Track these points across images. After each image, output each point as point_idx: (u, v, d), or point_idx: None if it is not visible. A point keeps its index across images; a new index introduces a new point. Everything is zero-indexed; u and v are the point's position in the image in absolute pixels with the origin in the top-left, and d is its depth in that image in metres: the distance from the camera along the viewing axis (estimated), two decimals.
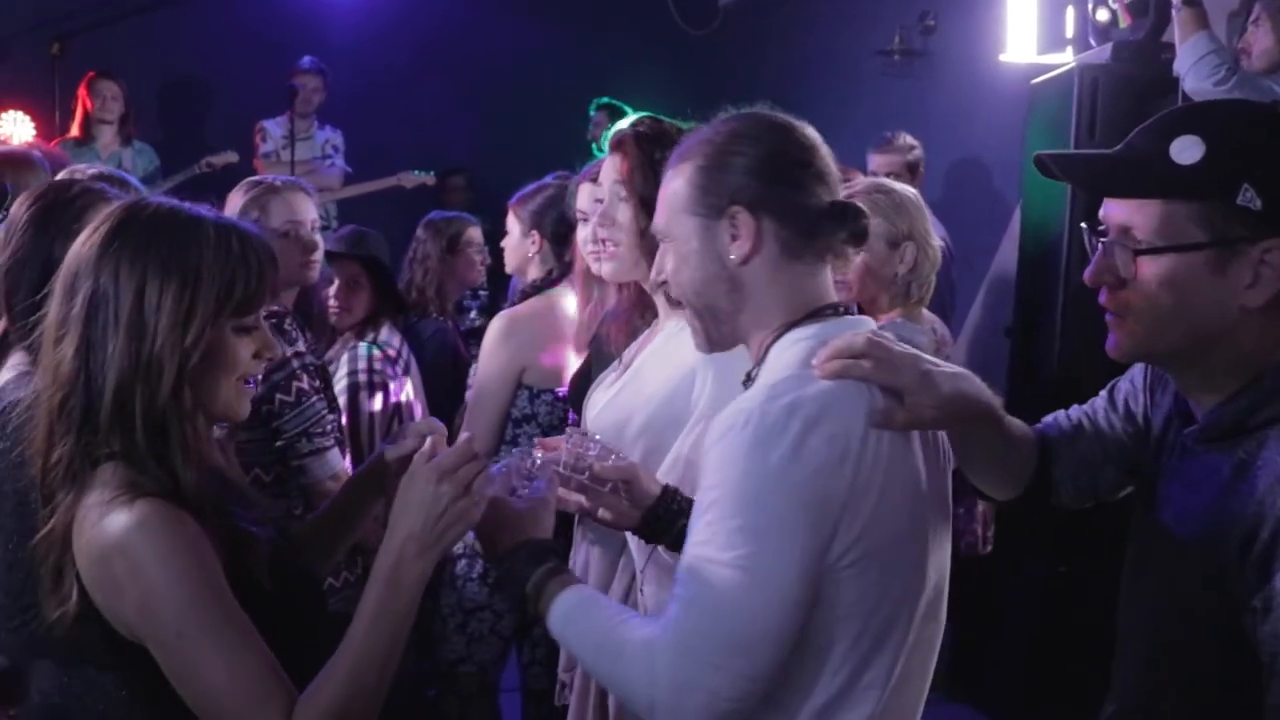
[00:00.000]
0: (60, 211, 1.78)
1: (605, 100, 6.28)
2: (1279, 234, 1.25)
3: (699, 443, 1.52)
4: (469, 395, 2.83)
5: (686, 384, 1.83)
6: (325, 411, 2.58)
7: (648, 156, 1.99)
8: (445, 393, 3.43)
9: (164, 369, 1.36)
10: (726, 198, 1.41)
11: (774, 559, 1.27)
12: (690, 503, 1.72)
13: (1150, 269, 1.29)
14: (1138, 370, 1.56)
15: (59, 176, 2.11)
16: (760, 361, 1.44)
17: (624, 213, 2.01)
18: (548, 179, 3.16)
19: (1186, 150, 1.26)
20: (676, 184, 1.46)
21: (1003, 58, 4.55)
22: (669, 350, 1.92)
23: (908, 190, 2.67)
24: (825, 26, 6.41)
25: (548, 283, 2.83)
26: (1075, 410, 1.63)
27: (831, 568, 1.30)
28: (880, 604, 1.33)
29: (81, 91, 5.68)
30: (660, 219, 1.50)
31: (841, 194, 1.48)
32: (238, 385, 1.44)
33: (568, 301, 2.70)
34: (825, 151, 1.47)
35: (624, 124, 2.09)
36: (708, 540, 1.29)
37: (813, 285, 1.45)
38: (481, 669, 2.87)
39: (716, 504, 1.29)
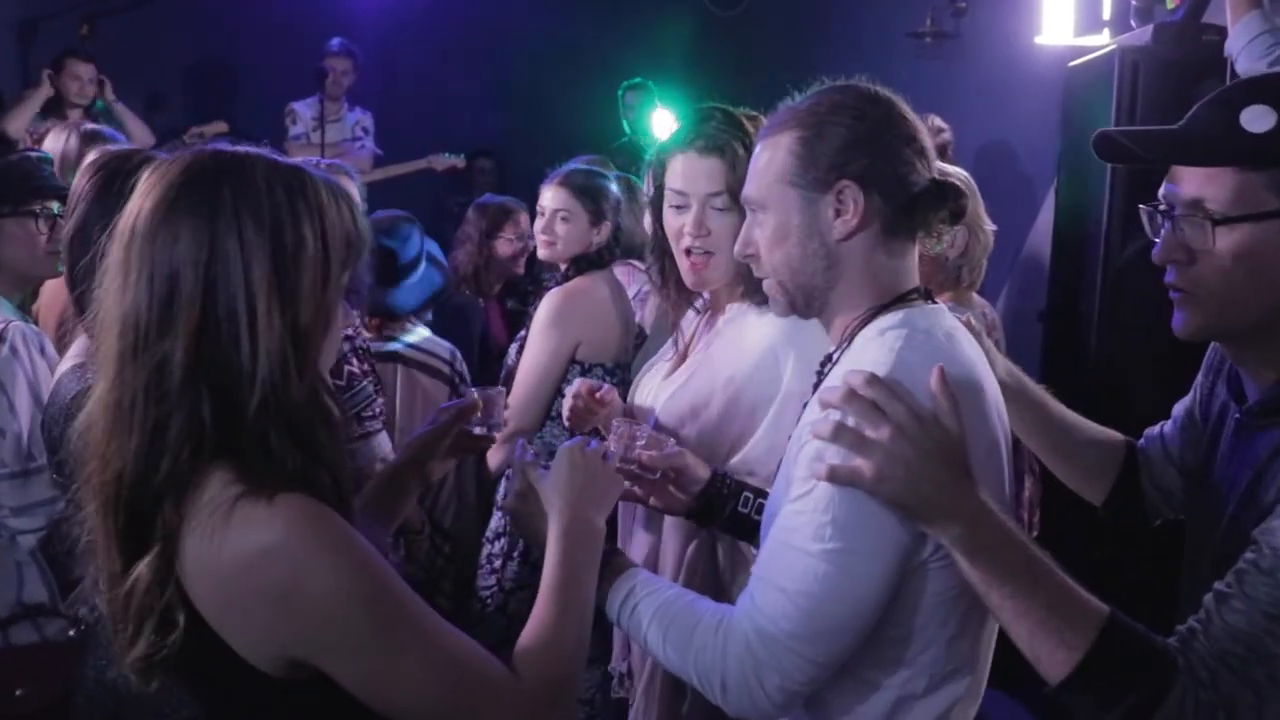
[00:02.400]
0: (125, 180, 1.69)
1: (636, 80, 6.26)
2: None
3: (787, 427, 1.51)
4: (519, 371, 2.83)
5: (766, 365, 1.80)
6: (374, 394, 2.58)
7: None
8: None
9: (312, 340, 1.19)
10: (834, 171, 1.37)
11: (864, 556, 1.26)
12: (738, 486, 1.73)
13: (1228, 240, 1.28)
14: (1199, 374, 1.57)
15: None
16: (843, 345, 1.42)
17: (724, 224, 1.83)
18: (575, 162, 3.16)
19: (1258, 119, 1.26)
20: (776, 154, 1.41)
21: (1038, 40, 4.51)
22: (737, 333, 1.89)
23: (960, 173, 2.63)
24: (854, 8, 6.37)
25: (599, 262, 2.85)
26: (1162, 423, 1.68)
27: (923, 564, 1.30)
28: (964, 593, 1.33)
29: (50, 72, 5.34)
30: (754, 189, 1.44)
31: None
32: (334, 357, 1.29)
33: (610, 280, 2.73)
34: (924, 127, 1.43)
35: (705, 121, 1.87)
36: (797, 529, 1.29)
37: (902, 267, 1.42)
38: None
39: (811, 495, 1.28)
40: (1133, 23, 3.85)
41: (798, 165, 1.39)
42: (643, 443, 1.70)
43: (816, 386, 1.45)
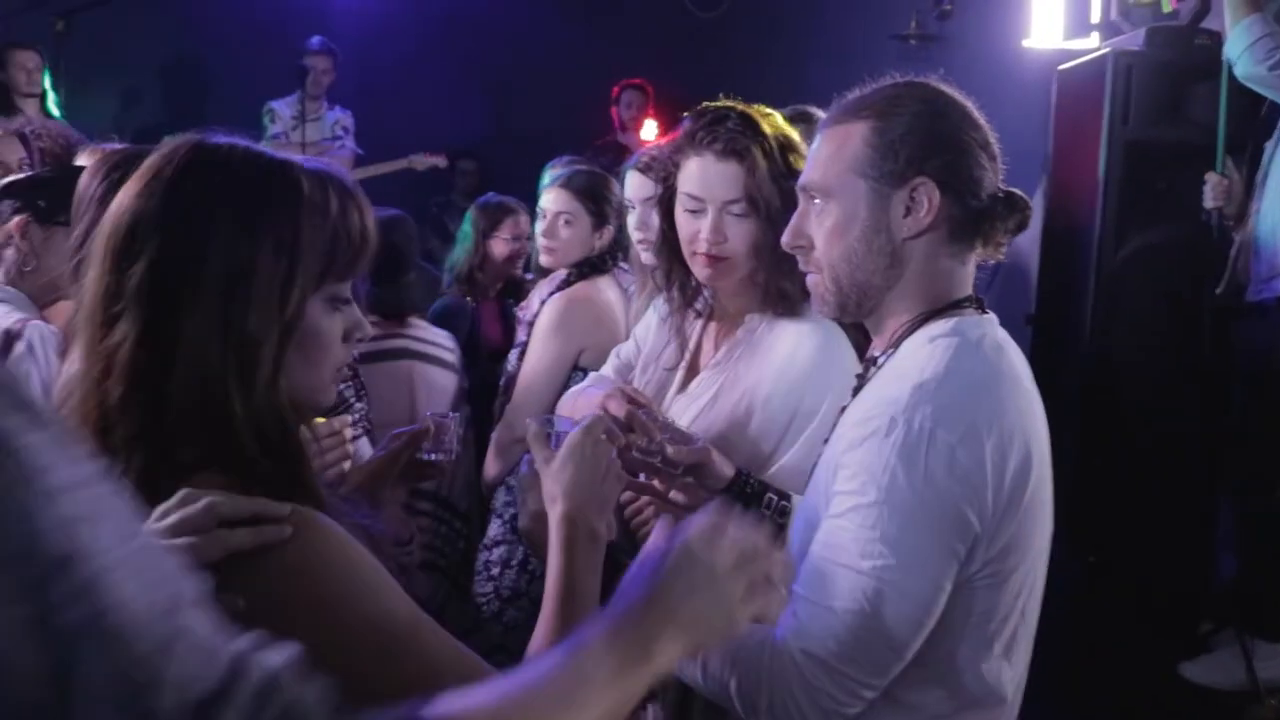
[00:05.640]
0: None
1: (634, 81, 6.23)
2: None
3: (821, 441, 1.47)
4: (520, 378, 2.79)
5: (805, 380, 1.75)
6: (353, 400, 2.54)
7: (778, 168, 1.76)
8: None
9: (261, 351, 1.08)
10: (913, 167, 1.32)
11: (914, 573, 1.23)
12: (762, 486, 1.68)
13: None
14: None
15: (114, 146, 2.07)
16: (888, 350, 1.38)
17: (741, 231, 1.77)
18: (557, 162, 3.13)
19: None
20: (848, 143, 1.35)
21: (1025, 43, 4.51)
22: (768, 346, 1.83)
23: None
24: (838, 10, 6.36)
25: (602, 266, 2.82)
26: None
27: (969, 579, 1.27)
28: (1010, 613, 1.30)
29: None
30: (820, 177, 1.38)
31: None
32: (334, 374, 1.18)
33: (614, 285, 2.69)
34: (993, 135, 1.39)
35: (722, 122, 1.79)
36: (843, 546, 1.25)
37: (960, 274, 1.39)
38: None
39: (856, 510, 1.25)
40: (1123, 25, 3.86)
41: (872, 156, 1.33)
42: (667, 436, 1.66)
43: (857, 391, 1.42)
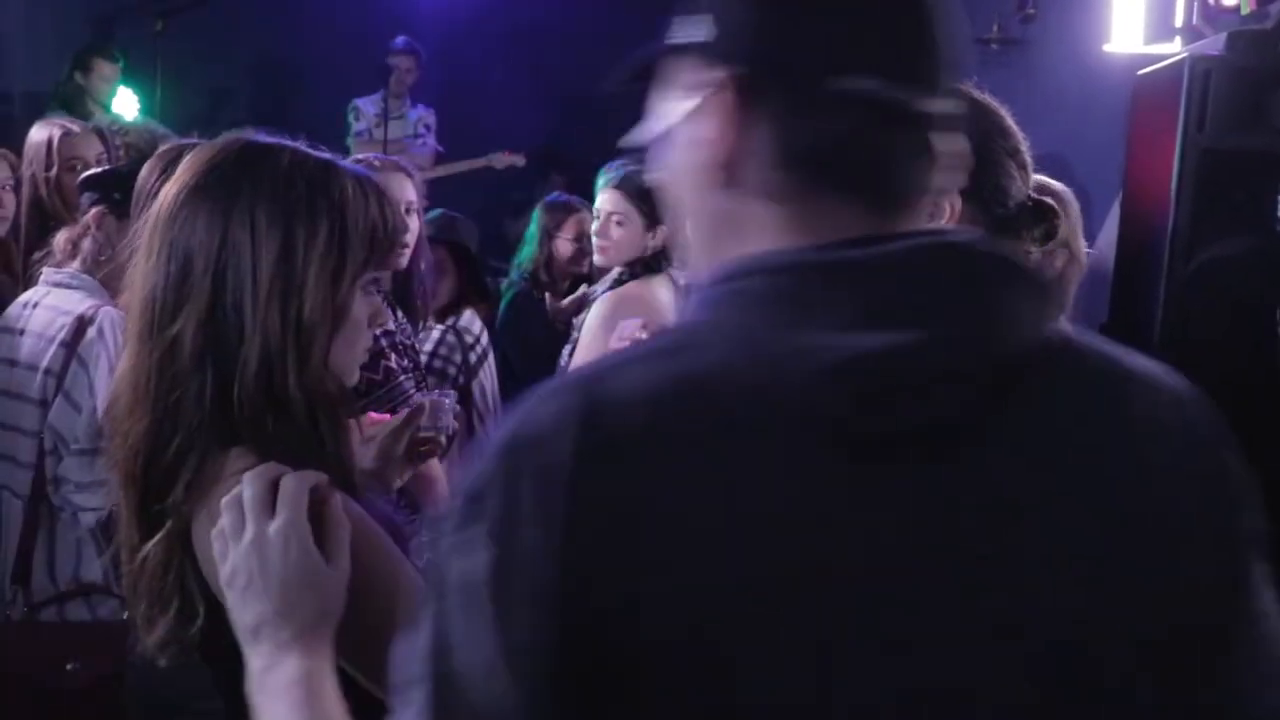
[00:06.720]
0: None
1: None
2: None
3: None
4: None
5: None
6: (412, 391, 2.60)
7: None
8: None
9: (316, 335, 1.15)
10: None
11: None
12: None
13: None
14: None
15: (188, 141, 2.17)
16: None
17: None
18: (620, 162, 3.18)
19: None
20: None
21: (1106, 48, 4.42)
22: None
23: (1067, 192, 2.55)
24: None
25: (655, 266, 2.87)
26: None
27: None
28: None
29: (76, 70, 5.23)
30: None
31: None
32: (362, 356, 1.25)
33: (668, 285, 2.74)
34: (1024, 142, 1.39)
35: None
36: None
37: None
38: None
39: None
40: (1205, 29, 3.76)
41: None
42: None
43: None
